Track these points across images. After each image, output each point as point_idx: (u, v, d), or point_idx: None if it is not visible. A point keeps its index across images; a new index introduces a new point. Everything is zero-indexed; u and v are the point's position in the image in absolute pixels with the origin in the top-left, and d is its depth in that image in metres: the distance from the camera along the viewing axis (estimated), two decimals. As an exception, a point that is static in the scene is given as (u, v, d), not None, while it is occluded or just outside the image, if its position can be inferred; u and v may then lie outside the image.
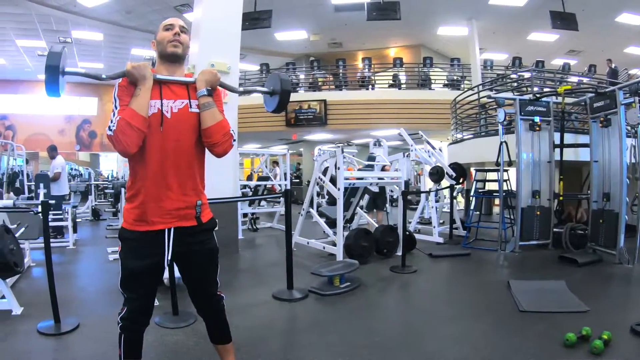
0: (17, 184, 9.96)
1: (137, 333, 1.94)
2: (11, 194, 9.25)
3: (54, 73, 1.73)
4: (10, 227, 4.17)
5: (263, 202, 10.44)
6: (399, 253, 5.17)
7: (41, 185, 7.34)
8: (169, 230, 1.85)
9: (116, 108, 1.81)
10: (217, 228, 2.04)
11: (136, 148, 1.77)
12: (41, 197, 7.00)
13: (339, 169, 5.28)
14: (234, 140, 1.96)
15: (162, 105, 1.84)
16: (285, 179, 9.13)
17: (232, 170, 6.21)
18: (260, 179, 10.29)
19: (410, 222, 7.22)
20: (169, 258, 1.87)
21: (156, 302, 3.53)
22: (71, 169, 15.51)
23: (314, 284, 4.07)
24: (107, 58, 15.98)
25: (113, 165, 24.24)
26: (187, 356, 2.69)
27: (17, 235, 4.37)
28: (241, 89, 2.26)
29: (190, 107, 1.90)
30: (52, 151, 7.67)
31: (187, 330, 3.07)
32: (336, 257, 5.16)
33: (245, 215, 8.66)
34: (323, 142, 15.79)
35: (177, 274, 2.66)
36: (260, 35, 12.96)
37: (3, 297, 3.61)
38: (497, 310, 3.44)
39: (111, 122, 1.76)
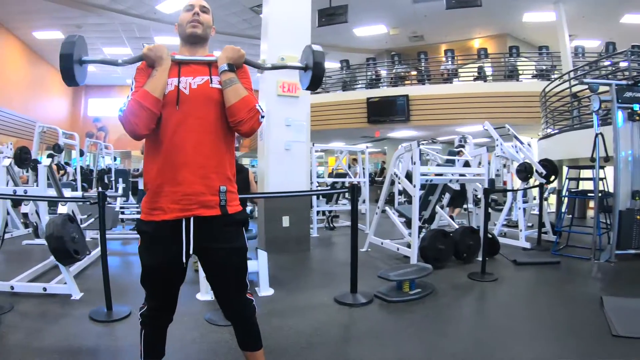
0: (106, 180, 10.72)
1: (158, 330, 1.87)
2: (99, 188, 10.01)
3: (67, 61, 1.69)
4: (80, 217, 4.45)
5: (344, 200, 10.35)
6: (480, 258, 4.71)
7: (120, 179, 8.01)
8: (187, 220, 1.68)
9: (131, 90, 1.72)
10: (247, 223, 1.90)
11: (146, 130, 1.66)
12: (120, 191, 7.59)
13: (414, 163, 4.97)
14: (262, 116, 1.76)
15: (179, 83, 1.72)
16: (364, 177, 8.92)
17: (304, 165, 6.17)
18: (337, 175, 10.18)
19: (495, 224, 6.75)
20: (191, 252, 1.71)
21: (211, 297, 3.60)
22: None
23: (382, 289, 3.83)
24: (191, 62, 16.84)
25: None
26: (227, 356, 2.62)
27: (85, 225, 4.65)
28: (269, 64, 2.12)
29: (212, 82, 1.75)
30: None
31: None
32: (410, 260, 4.89)
33: (324, 213, 8.62)
34: (407, 139, 15.36)
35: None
36: (340, 32, 12.88)
37: (65, 282, 3.84)
38: (585, 331, 2.99)
39: (123, 103, 1.67)
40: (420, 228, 5.39)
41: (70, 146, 10.18)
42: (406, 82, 13.63)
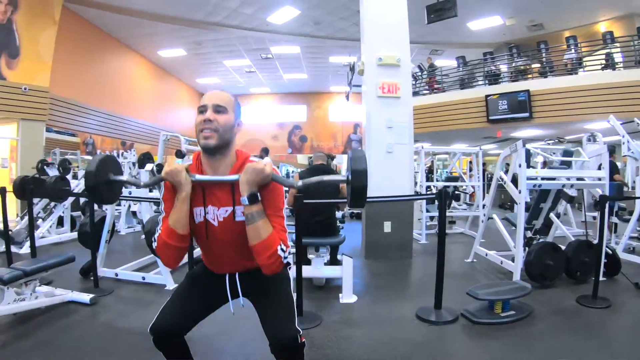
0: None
1: (170, 346, 1.79)
2: None
3: (91, 188, 1.71)
4: None
5: (455, 204, 9.77)
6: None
7: None
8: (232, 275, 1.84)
9: (162, 213, 1.75)
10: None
11: (177, 263, 1.74)
12: None
13: (520, 166, 4.46)
14: (285, 259, 1.63)
15: (206, 213, 1.70)
16: (479, 180, 8.32)
17: (406, 168, 5.95)
18: (448, 179, 9.64)
19: (623, 237, 5.77)
20: (239, 296, 1.83)
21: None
22: (287, 170, 18.14)
23: (471, 307, 3.48)
24: (308, 68, 17.28)
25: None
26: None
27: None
28: (300, 183, 1.71)
29: (235, 216, 1.68)
30: (262, 152, 8.76)
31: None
32: (513, 276, 4.38)
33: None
34: (531, 139, 14.05)
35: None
36: (453, 27, 12.26)
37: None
38: None
39: (157, 232, 1.71)
40: (530, 239, 4.86)
41: (192, 152, 11.08)
42: (527, 75, 12.46)
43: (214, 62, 16.77)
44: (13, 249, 5.13)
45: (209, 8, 11.69)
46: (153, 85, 17.27)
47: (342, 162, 18.34)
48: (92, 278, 4.29)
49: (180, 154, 9.90)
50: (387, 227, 5.75)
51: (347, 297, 3.92)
